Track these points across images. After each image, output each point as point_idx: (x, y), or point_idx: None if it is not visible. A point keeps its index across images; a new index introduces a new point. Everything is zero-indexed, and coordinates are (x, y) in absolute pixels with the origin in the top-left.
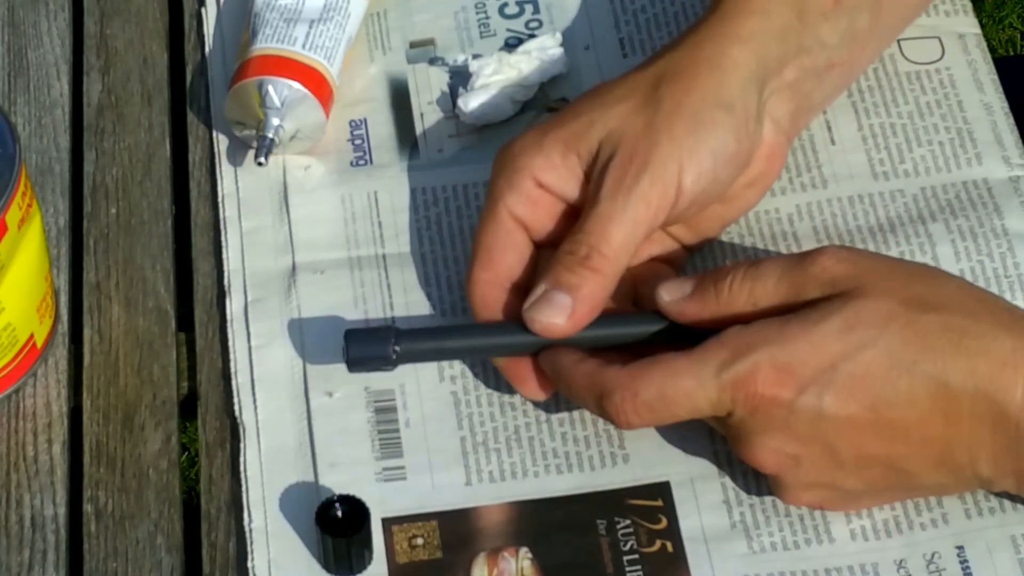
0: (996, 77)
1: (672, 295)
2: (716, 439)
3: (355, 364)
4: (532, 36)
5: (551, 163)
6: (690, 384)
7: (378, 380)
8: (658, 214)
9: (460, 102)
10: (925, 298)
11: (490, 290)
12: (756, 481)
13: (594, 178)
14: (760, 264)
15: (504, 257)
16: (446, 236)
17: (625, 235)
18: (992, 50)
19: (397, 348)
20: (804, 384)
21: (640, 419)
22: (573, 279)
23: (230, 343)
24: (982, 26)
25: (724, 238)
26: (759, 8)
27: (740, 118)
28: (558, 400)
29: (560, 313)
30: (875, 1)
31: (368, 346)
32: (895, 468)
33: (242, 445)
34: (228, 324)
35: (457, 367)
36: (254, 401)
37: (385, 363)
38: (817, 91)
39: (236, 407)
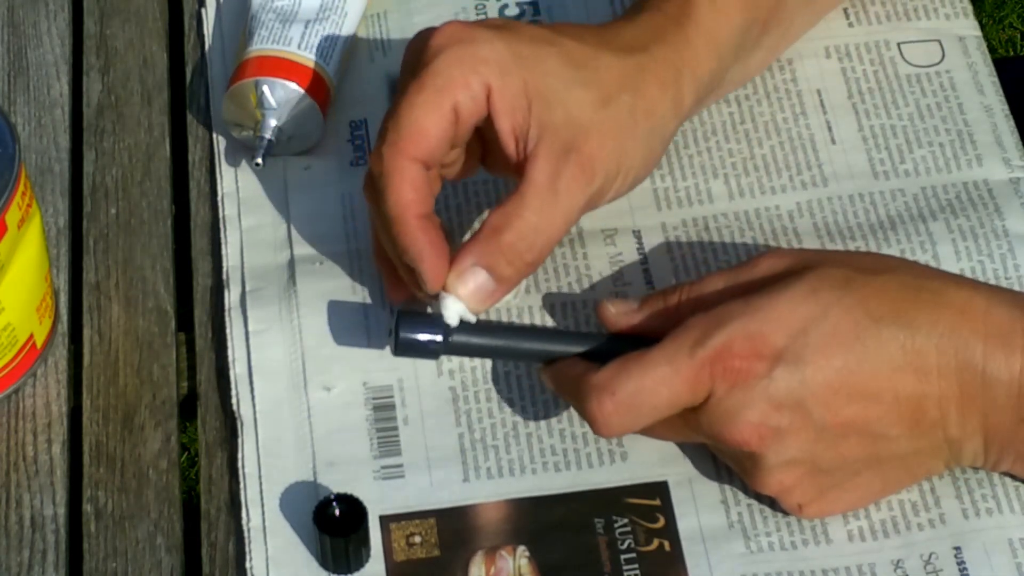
0: (996, 80)
1: (618, 308)
2: None
3: (403, 347)
4: None
5: (511, 91)
6: (666, 370)
7: (376, 375)
8: (587, 209)
9: None
10: (875, 266)
11: (408, 164)
12: None
13: (536, 152)
14: (702, 278)
15: (430, 137)
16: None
17: (562, 232)
18: (992, 50)
19: (449, 339)
20: (779, 351)
21: (620, 419)
22: (508, 272)
23: (227, 332)
24: (982, 26)
25: (725, 234)
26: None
27: (670, 134)
28: (557, 398)
29: (485, 297)
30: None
31: (420, 330)
32: (870, 434)
33: (240, 440)
34: (226, 313)
35: (455, 361)
36: (252, 393)
37: (432, 352)
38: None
39: (234, 400)
